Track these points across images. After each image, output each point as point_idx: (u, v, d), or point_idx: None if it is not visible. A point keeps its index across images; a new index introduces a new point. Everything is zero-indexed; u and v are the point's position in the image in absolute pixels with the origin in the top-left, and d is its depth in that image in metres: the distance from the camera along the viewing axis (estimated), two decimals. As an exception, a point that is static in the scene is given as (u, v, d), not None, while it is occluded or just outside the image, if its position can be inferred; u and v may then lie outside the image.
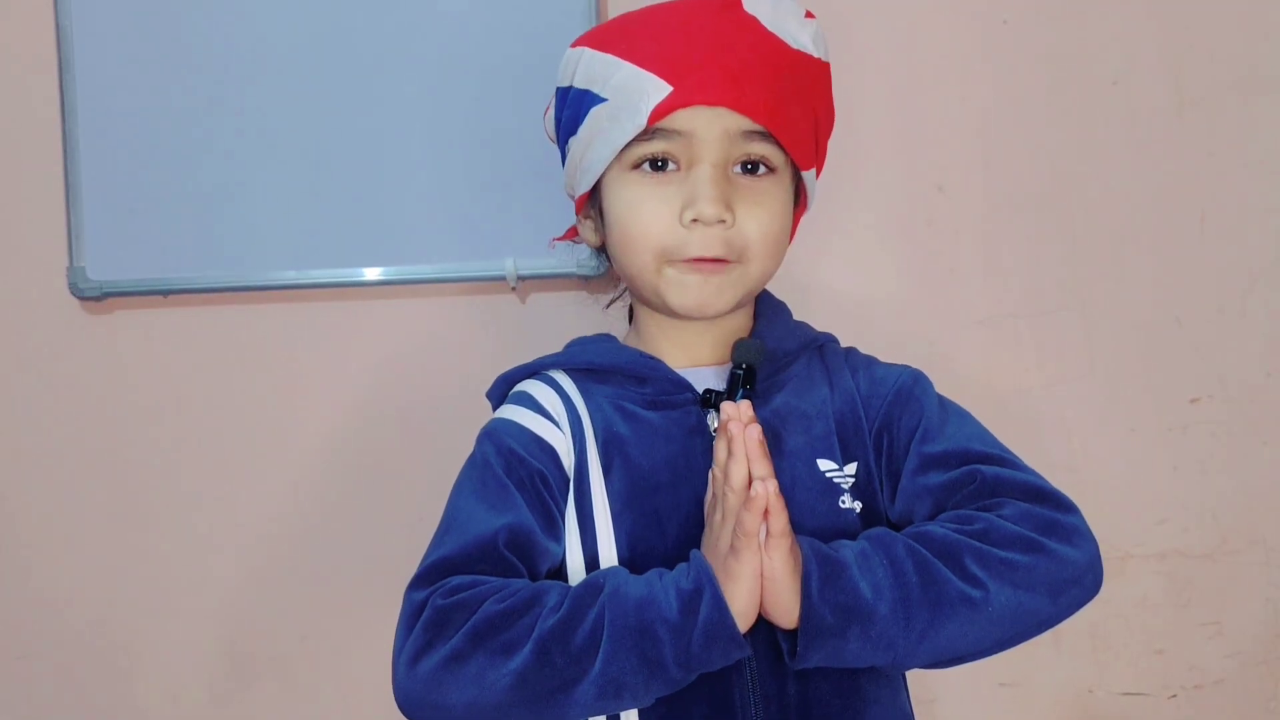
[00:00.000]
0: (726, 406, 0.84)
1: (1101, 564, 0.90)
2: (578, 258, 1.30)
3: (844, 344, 1.08)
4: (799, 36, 0.97)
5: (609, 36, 0.99)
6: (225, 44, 1.33)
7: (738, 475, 0.83)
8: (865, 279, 1.36)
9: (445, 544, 0.92)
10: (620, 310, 1.17)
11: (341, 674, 1.39)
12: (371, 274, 1.33)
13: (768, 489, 0.81)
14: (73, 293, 1.35)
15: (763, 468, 0.83)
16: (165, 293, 1.35)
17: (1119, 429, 1.35)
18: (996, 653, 0.88)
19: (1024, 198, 1.35)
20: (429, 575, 0.89)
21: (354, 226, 1.33)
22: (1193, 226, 1.34)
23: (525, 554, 0.92)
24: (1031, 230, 1.35)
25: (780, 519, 0.82)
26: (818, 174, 1.04)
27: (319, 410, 1.38)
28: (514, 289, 1.34)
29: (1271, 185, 1.34)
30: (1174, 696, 1.37)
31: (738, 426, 0.83)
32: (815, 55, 0.99)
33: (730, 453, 0.83)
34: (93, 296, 1.35)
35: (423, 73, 1.32)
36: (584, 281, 1.33)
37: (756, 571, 0.84)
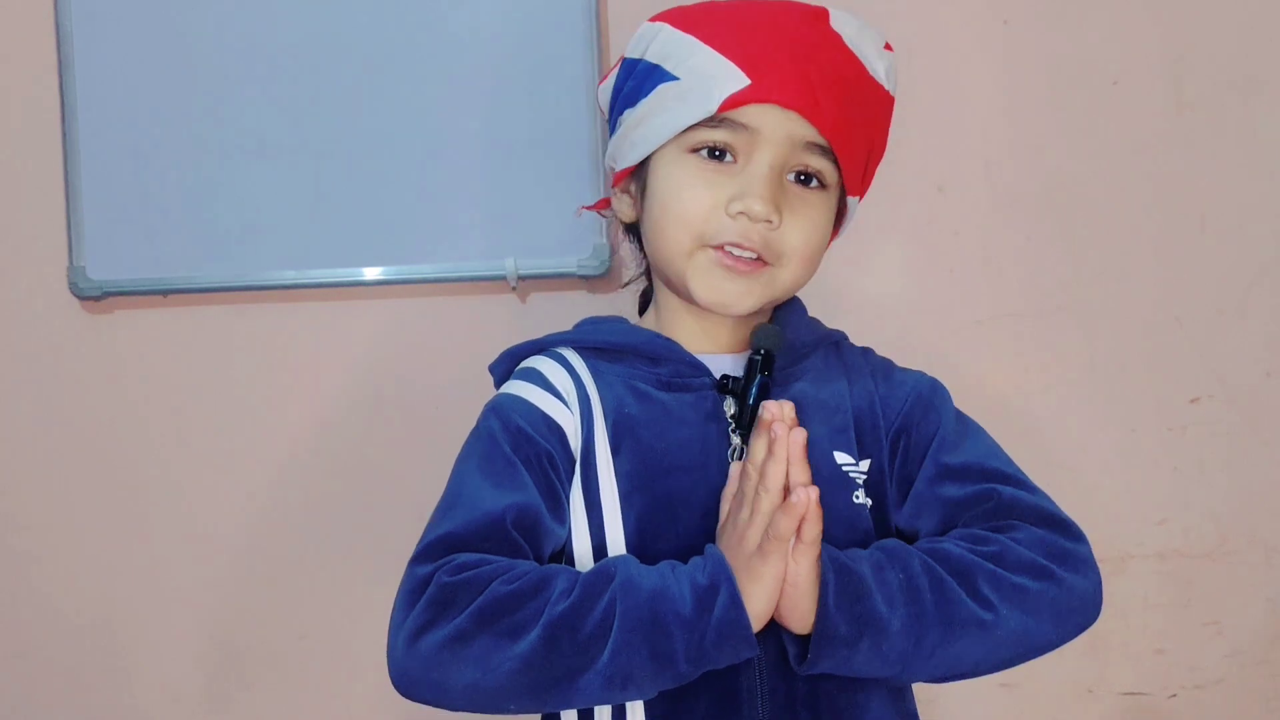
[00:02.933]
0: (769, 405, 0.83)
1: (1102, 595, 0.91)
2: (578, 258, 1.30)
3: (847, 344, 1.08)
4: (875, 65, 0.97)
5: (691, 18, 0.97)
6: (225, 44, 1.33)
7: (775, 477, 0.82)
8: (866, 278, 1.36)
9: (451, 518, 0.90)
10: (629, 302, 1.17)
11: (340, 672, 1.39)
12: (371, 274, 1.33)
13: (810, 497, 0.80)
14: (73, 293, 1.35)
15: (803, 473, 0.82)
16: (165, 293, 1.35)
17: (1119, 429, 1.35)
18: (995, 672, 0.89)
19: (1024, 198, 1.35)
20: (434, 550, 0.87)
21: (354, 226, 1.33)
22: (1193, 227, 1.34)
23: (531, 535, 0.90)
24: (1031, 230, 1.35)
25: (814, 528, 0.82)
26: (860, 200, 1.04)
27: (318, 409, 1.38)
28: (514, 289, 1.34)
29: (1271, 185, 1.34)
30: (1174, 696, 1.37)
31: (782, 428, 0.82)
32: (885, 87, 0.99)
33: (770, 453, 0.82)
34: (93, 296, 1.35)
35: (422, 73, 1.32)
36: (584, 281, 1.33)
37: (780, 575, 0.83)
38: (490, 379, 1.05)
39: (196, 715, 1.40)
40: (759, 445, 0.83)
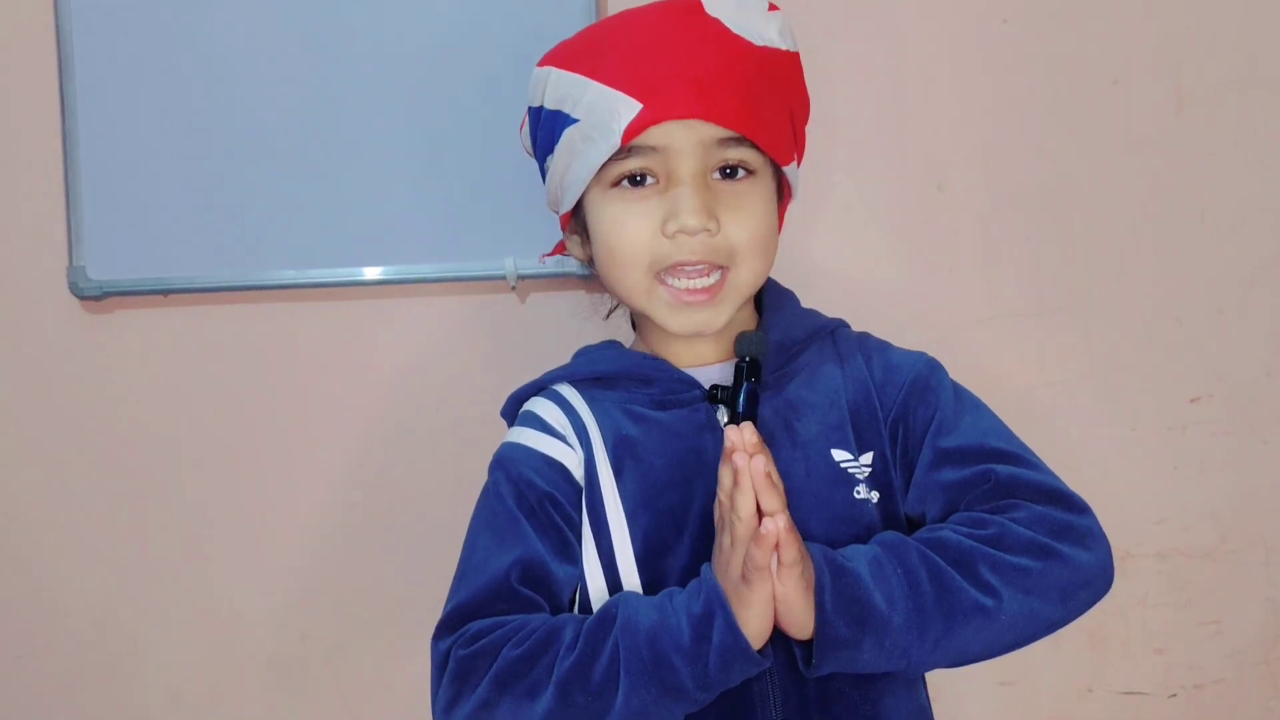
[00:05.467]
0: (730, 433, 0.83)
1: (1113, 564, 0.92)
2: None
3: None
4: (765, 32, 0.97)
5: (575, 54, 0.98)
6: (225, 44, 1.33)
7: (745, 506, 0.81)
8: (865, 278, 1.36)
9: (462, 589, 0.93)
10: (620, 317, 1.17)
11: (342, 672, 1.39)
12: (371, 274, 1.33)
13: (778, 525, 0.80)
14: (73, 293, 1.35)
15: (772, 501, 0.81)
16: (165, 293, 1.35)
17: (1119, 429, 1.35)
18: (1007, 653, 0.89)
19: (1024, 197, 1.35)
20: (449, 624, 0.91)
21: (354, 226, 1.33)
22: (1192, 226, 1.34)
23: (540, 585, 0.93)
24: (1031, 229, 1.35)
25: (791, 550, 0.82)
26: (799, 163, 1.03)
27: (318, 410, 1.38)
28: (514, 289, 1.34)
29: (1271, 184, 1.34)
30: (1174, 696, 1.37)
31: (743, 458, 0.81)
32: (783, 48, 0.98)
33: (736, 483, 0.82)
34: (93, 296, 1.35)
35: (423, 72, 1.32)
36: (584, 281, 1.33)
37: (769, 597, 0.84)
38: (490, 385, 1.07)
39: (197, 716, 1.40)
40: (725, 475, 0.84)
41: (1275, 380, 1.35)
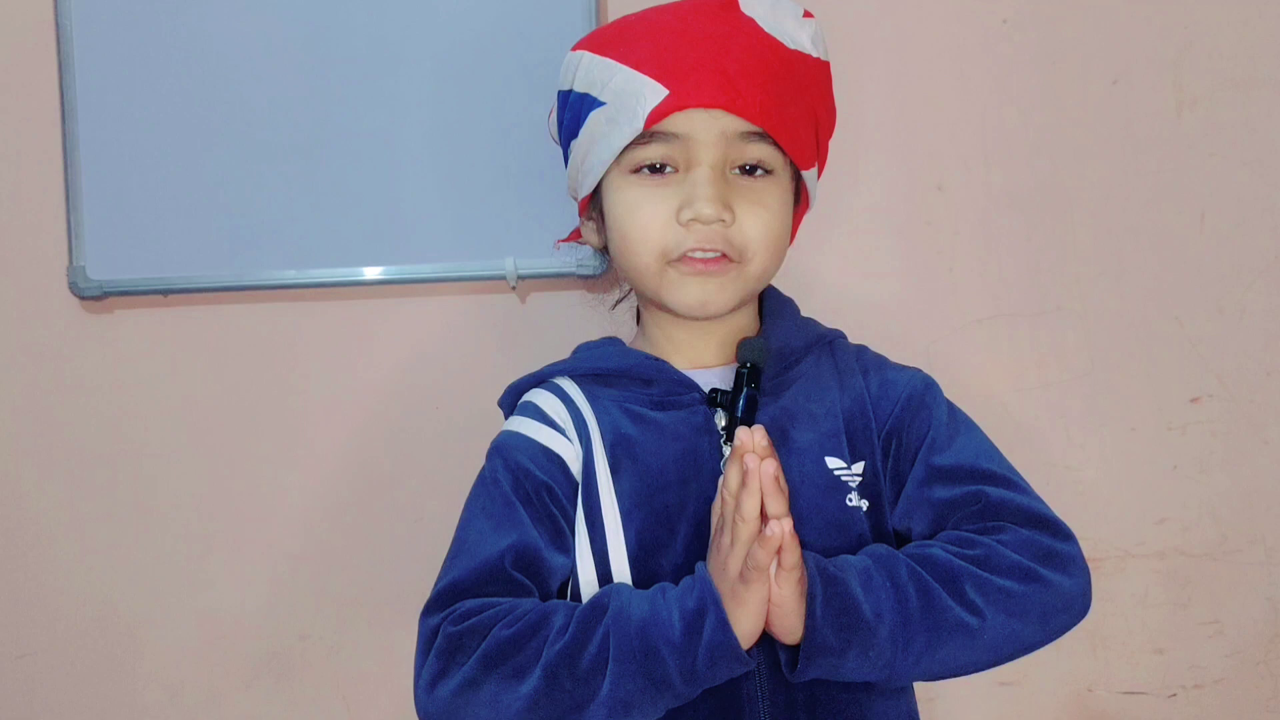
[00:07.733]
0: (741, 433, 0.84)
1: (1091, 591, 0.93)
2: (578, 257, 1.30)
3: (845, 343, 1.08)
4: (797, 36, 0.98)
5: (607, 40, 0.99)
6: (225, 44, 1.33)
7: (750, 507, 0.82)
8: (865, 278, 1.36)
9: (455, 568, 0.94)
10: (625, 311, 1.17)
11: (341, 672, 1.39)
12: (371, 273, 1.33)
13: (784, 529, 0.81)
14: (73, 292, 1.35)
15: (778, 505, 0.82)
16: (165, 293, 1.35)
17: (1119, 429, 1.35)
18: (983, 670, 0.91)
19: (1024, 197, 1.35)
20: (440, 600, 0.92)
21: (354, 226, 1.33)
22: (1193, 226, 1.34)
23: (533, 572, 0.93)
24: (1031, 230, 1.35)
25: (793, 555, 0.83)
26: (819, 173, 1.04)
27: (319, 409, 1.38)
28: (514, 289, 1.34)
29: (1271, 185, 1.34)
30: (1174, 696, 1.37)
31: (754, 460, 0.82)
32: (814, 55, 0.99)
33: (744, 484, 0.83)
34: (93, 296, 1.35)
35: (423, 72, 1.32)
36: (584, 281, 1.33)
37: (764, 599, 0.85)
38: (492, 387, 1.07)
39: (197, 715, 1.40)
40: (733, 474, 0.84)
41: (1275, 380, 1.35)
